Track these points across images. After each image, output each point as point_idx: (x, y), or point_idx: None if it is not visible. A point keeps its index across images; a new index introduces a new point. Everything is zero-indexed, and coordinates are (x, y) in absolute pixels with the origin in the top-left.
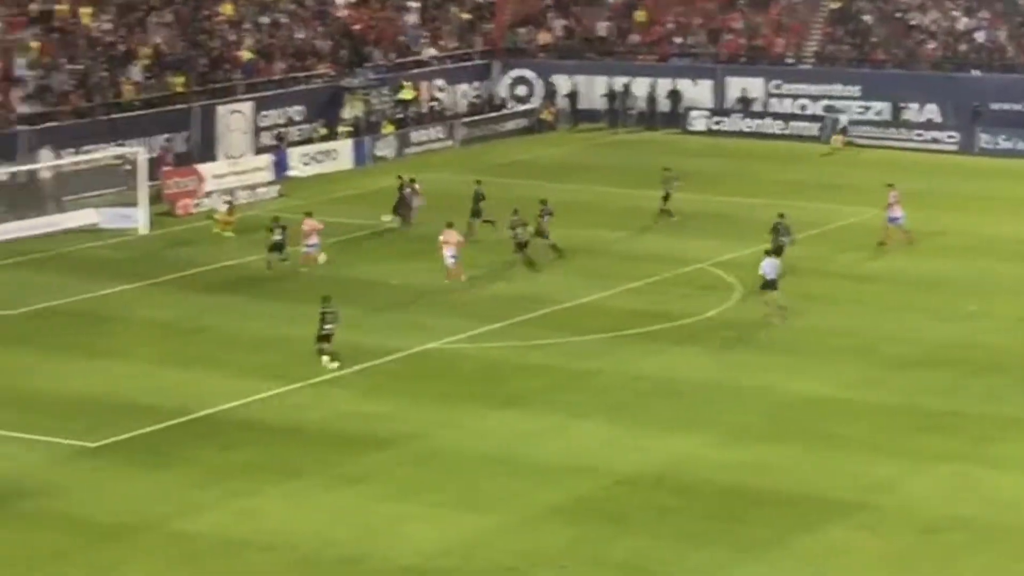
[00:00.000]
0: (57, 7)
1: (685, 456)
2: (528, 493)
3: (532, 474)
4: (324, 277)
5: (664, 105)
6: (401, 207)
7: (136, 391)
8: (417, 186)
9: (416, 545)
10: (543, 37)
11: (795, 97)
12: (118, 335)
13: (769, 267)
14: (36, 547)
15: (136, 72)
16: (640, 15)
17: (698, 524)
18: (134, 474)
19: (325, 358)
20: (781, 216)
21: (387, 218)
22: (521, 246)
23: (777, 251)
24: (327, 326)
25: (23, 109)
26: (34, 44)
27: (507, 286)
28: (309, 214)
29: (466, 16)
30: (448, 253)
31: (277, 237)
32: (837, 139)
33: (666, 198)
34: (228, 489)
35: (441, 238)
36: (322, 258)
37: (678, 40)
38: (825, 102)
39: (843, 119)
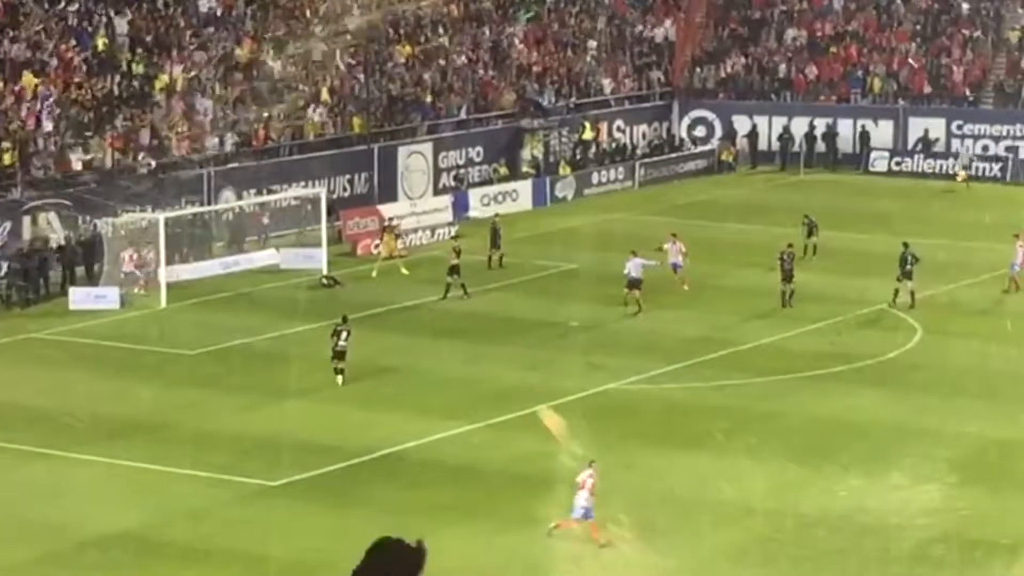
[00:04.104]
0: (239, 49)
1: (867, 499)
2: (708, 534)
3: (712, 515)
4: (505, 318)
5: (845, 145)
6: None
7: (317, 430)
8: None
9: None
10: (723, 70)
11: (977, 138)
12: (299, 375)
13: (633, 266)
14: None
15: (317, 113)
16: (823, 48)
17: (881, 567)
18: (315, 513)
19: (339, 378)
20: (906, 245)
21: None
22: (454, 270)
23: (907, 276)
24: (341, 343)
25: (206, 150)
26: (217, 86)
27: (688, 327)
28: None
29: (645, 58)
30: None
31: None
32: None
33: (809, 234)
34: (408, 528)
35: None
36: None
37: (859, 78)
38: (1007, 142)
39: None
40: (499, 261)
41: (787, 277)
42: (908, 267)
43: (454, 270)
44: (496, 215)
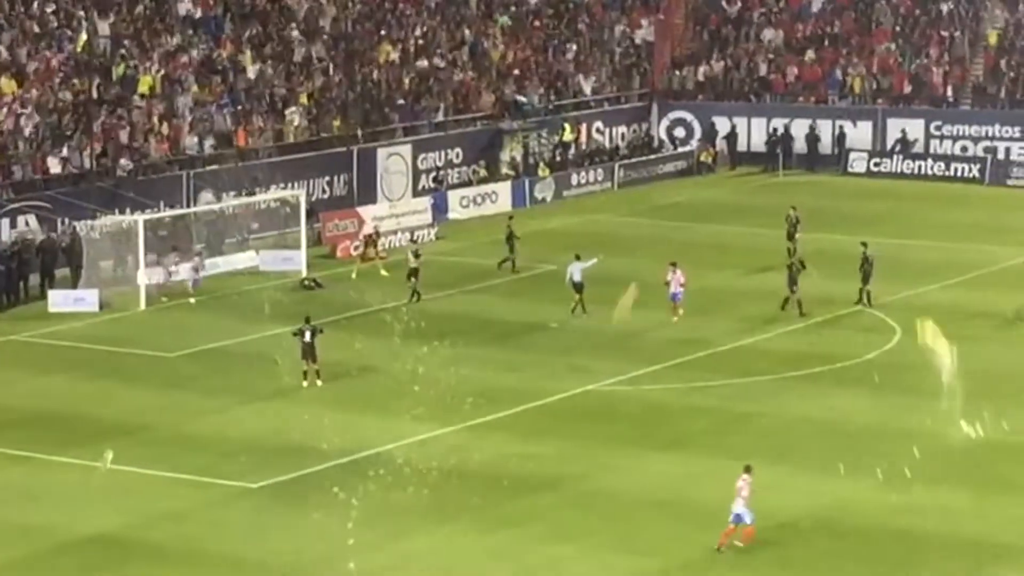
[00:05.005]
0: (218, 52)
1: (849, 499)
2: (689, 536)
3: (693, 517)
4: (484, 319)
5: (825, 147)
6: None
7: (297, 432)
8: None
9: None
10: (701, 72)
11: (955, 139)
12: (279, 377)
13: (575, 270)
14: None
15: (296, 115)
16: (801, 53)
17: (863, 568)
18: (295, 514)
19: (305, 383)
20: (864, 245)
21: None
22: (413, 273)
23: (866, 278)
24: (305, 342)
25: (186, 152)
26: (196, 88)
27: (666, 329)
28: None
29: (624, 59)
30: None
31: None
32: None
33: (791, 237)
34: (389, 530)
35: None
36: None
37: (838, 79)
38: (985, 143)
39: None
40: (512, 263)
41: (791, 283)
42: (867, 267)
43: (413, 273)
44: (510, 216)
